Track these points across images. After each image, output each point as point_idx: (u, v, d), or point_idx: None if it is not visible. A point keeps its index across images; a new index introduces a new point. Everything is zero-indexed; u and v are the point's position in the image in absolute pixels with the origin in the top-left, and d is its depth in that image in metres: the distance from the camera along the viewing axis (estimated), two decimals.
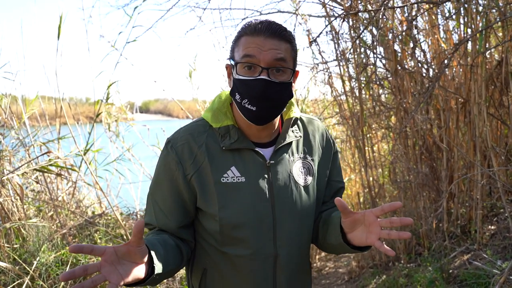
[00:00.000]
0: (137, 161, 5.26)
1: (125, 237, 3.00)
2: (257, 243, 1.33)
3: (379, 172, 4.55)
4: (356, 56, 3.83)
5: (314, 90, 10.17)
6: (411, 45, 3.70)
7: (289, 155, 1.39)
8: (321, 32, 3.19)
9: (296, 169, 1.39)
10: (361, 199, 4.66)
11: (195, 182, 1.31)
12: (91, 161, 3.76)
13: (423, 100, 3.42)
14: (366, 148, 4.05)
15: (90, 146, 3.27)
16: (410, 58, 3.86)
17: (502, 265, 3.00)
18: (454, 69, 3.87)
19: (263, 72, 1.22)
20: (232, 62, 1.28)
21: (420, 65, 3.77)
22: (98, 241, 2.92)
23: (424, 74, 3.78)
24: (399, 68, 3.69)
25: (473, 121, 3.62)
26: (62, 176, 3.47)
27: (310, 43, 3.89)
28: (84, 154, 3.21)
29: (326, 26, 3.45)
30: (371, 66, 4.08)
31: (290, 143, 1.40)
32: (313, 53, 4.08)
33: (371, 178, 4.09)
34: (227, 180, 1.31)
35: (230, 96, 1.34)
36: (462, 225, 3.89)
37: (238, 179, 1.31)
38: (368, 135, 4.14)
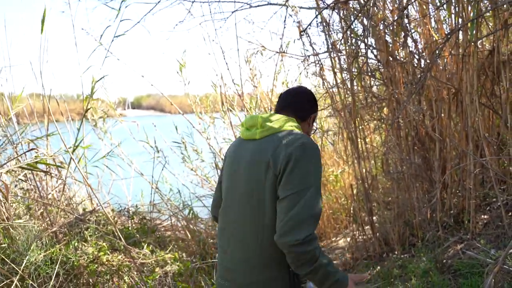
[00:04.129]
0: (127, 158, 5.20)
1: (116, 234, 2.97)
2: None
3: (372, 163, 4.54)
4: (347, 48, 3.80)
5: (306, 82, 10.13)
6: (403, 35, 3.67)
7: None
8: (310, 23, 3.16)
9: None
10: (355, 191, 4.65)
11: None
12: (81, 157, 3.70)
13: (415, 90, 3.40)
14: (359, 139, 4.03)
15: (79, 143, 3.21)
16: (401, 48, 3.84)
17: (495, 254, 3.00)
18: (446, 59, 3.86)
19: None
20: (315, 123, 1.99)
21: (411, 55, 3.74)
22: (89, 238, 2.89)
23: (415, 65, 3.75)
24: (391, 59, 3.67)
25: (465, 111, 3.60)
26: (51, 174, 3.41)
27: (301, 34, 3.85)
28: (73, 151, 3.16)
29: (316, 16, 3.41)
30: (363, 58, 4.06)
31: None
32: (303, 44, 4.04)
33: (364, 170, 4.07)
34: None
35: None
36: (455, 215, 3.89)
37: None
38: (360, 127, 4.12)
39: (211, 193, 5.70)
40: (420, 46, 3.95)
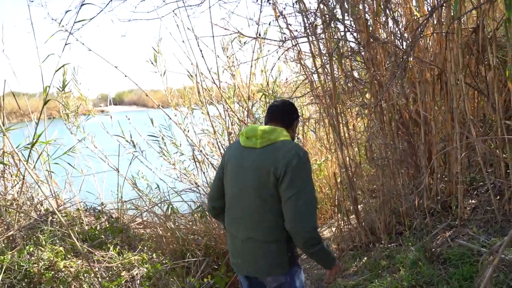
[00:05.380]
0: (100, 153, 4.96)
1: (80, 236, 2.74)
2: None
3: (355, 151, 4.37)
4: (325, 30, 3.60)
5: (285, 69, 9.91)
6: (383, 14, 3.50)
7: None
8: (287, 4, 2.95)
9: None
10: (339, 180, 4.48)
11: None
12: (41, 153, 3.45)
13: (398, 71, 3.24)
14: (341, 126, 3.85)
15: (37, 138, 2.96)
16: (382, 29, 3.66)
17: (488, 241, 2.87)
18: (428, 39, 3.70)
19: None
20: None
21: (393, 36, 3.58)
22: (43, 242, 2.65)
23: (397, 45, 3.58)
24: (372, 40, 3.49)
25: (450, 92, 3.46)
26: (9, 172, 3.16)
27: (277, 16, 3.65)
28: (32, 146, 2.91)
29: None
30: (342, 41, 3.88)
31: None
32: (280, 28, 3.82)
33: (347, 158, 3.89)
34: None
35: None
36: (443, 201, 3.76)
37: None
38: (342, 113, 3.94)
39: (190, 187, 5.49)
40: (401, 26, 3.78)
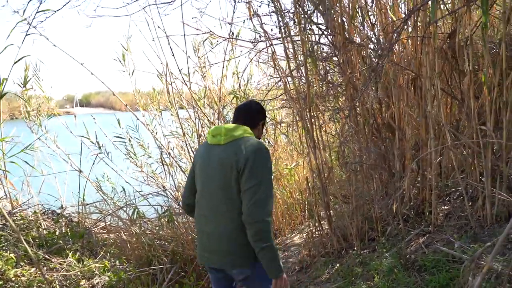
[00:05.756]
0: (63, 153, 4.72)
1: (34, 241, 2.52)
2: None
3: (327, 155, 4.30)
4: (301, 32, 3.51)
5: (257, 72, 9.81)
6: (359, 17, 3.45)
7: None
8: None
9: None
10: (310, 184, 4.39)
11: None
12: None
13: (374, 75, 3.18)
14: (314, 129, 3.77)
15: None
16: (357, 33, 3.61)
17: (466, 247, 2.82)
18: (403, 43, 3.67)
19: None
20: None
21: (368, 39, 3.53)
22: None
23: (373, 49, 3.53)
24: (347, 43, 3.43)
25: (424, 97, 3.43)
26: None
27: (251, 15, 3.54)
28: None
29: None
30: (316, 44, 3.81)
31: None
32: (254, 28, 3.70)
33: (320, 162, 3.81)
34: None
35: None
36: (415, 207, 3.73)
37: None
38: (316, 116, 3.86)
39: (157, 190, 5.30)
40: (376, 30, 3.74)
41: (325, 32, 3.85)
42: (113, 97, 5.42)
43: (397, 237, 3.46)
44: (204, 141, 2.49)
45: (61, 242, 2.93)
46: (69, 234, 3.15)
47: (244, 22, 3.57)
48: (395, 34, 2.92)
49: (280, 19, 3.47)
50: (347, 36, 3.42)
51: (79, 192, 4.19)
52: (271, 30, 3.55)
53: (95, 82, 4.84)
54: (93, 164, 4.43)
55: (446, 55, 3.32)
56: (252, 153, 2.14)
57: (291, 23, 3.70)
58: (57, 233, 3.15)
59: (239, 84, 4.97)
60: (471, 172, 3.45)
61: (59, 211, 3.78)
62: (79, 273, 2.62)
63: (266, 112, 2.60)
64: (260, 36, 3.62)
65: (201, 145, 2.48)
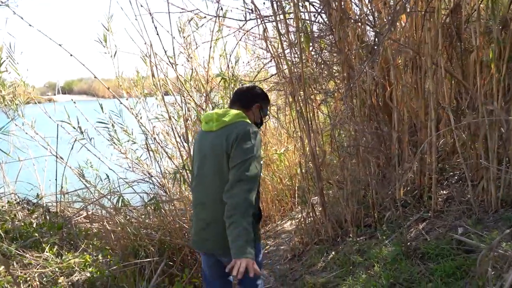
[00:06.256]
0: (42, 139, 4.46)
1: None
2: None
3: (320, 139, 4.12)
4: (294, 3, 3.29)
5: (244, 55, 9.52)
6: None
7: None
8: None
9: None
10: (303, 169, 4.21)
11: None
12: None
13: (374, 53, 3.00)
14: (308, 111, 3.58)
15: None
16: (352, 11, 3.41)
17: (485, 237, 2.68)
18: (401, 20, 3.49)
19: None
20: (265, 111, 2.57)
21: (366, 15, 3.33)
22: None
23: (371, 24, 3.34)
24: (344, 17, 3.23)
25: (424, 76, 3.27)
26: None
27: None
28: None
29: None
30: (312, 22, 3.60)
31: None
32: (244, 3, 3.45)
33: (314, 145, 3.63)
34: None
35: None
36: (412, 192, 3.58)
37: None
38: (309, 98, 3.66)
39: (143, 177, 5.08)
40: (374, 6, 3.55)
41: (319, 9, 3.65)
42: (96, 84, 5.18)
43: (395, 223, 3.32)
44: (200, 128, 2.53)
45: (36, 235, 2.69)
46: (47, 225, 2.91)
47: None
48: (398, 7, 2.73)
49: None
50: (344, 12, 3.22)
51: (56, 180, 3.94)
52: (263, 3, 3.32)
53: (78, 69, 4.61)
54: (71, 149, 4.17)
55: (448, 31, 3.14)
56: (239, 135, 2.16)
57: None
58: (34, 225, 2.90)
59: (227, 65, 4.73)
60: (470, 155, 3.32)
61: (36, 200, 3.53)
62: (57, 269, 2.39)
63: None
64: (250, 12, 3.38)
65: (198, 132, 2.52)
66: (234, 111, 2.34)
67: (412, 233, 3.08)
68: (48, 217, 2.99)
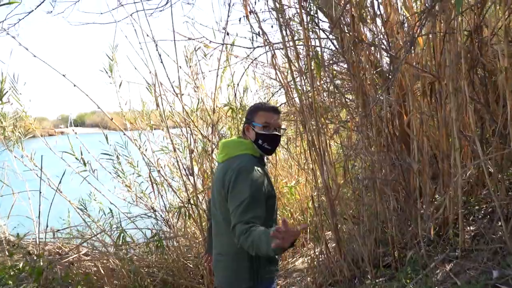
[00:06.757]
0: (41, 172, 4.26)
1: None
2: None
3: (334, 171, 3.86)
4: (304, 27, 3.10)
5: (253, 85, 9.35)
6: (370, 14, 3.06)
7: None
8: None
9: None
10: (315, 203, 3.93)
11: None
12: None
13: (391, 78, 2.78)
14: (321, 142, 3.34)
15: None
16: (368, 31, 3.22)
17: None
18: (418, 43, 3.28)
19: (273, 130, 2.21)
20: (256, 124, 2.21)
21: (379, 38, 3.13)
22: None
23: (387, 48, 3.13)
24: (358, 40, 3.03)
25: (444, 102, 3.03)
26: None
27: (247, 14, 3.15)
28: None
29: None
30: (321, 47, 3.41)
31: None
32: (251, 27, 3.24)
33: (327, 178, 3.37)
34: None
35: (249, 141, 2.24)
36: (435, 229, 3.29)
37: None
38: (322, 127, 3.43)
39: (146, 211, 4.84)
40: (388, 28, 3.35)
41: (330, 36, 3.48)
42: (108, 117, 4.97)
43: (418, 264, 3.01)
44: None
45: (10, 283, 2.40)
46: (29, 270, 2.63)
47: (240, 21, 3.15)
48: (419, 28, 2.52)
49: (280, 16, 3.06)
50: (357, 35, 3.03)
51: (39, 216, 3.70)
52: (271, 26, 3.14)
53: (91, 102, 4.42)
54: (60, 180, 3.95)
55: (469, 54, 2.92)
56: (232, 176, 2.05)
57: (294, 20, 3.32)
58: (14, 269, 2.63)
59: (235, 94, 4.55)
60: (499, 188, 3.04)
61: (34, 236, 3.27)
62: None
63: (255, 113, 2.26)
64: (258, 35, 3.19)
65: None
66: (236, 141, 2.26)
67: (438, 276, 2.77)
68: (29, 260, 2.70)
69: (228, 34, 3.50)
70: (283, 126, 2.36)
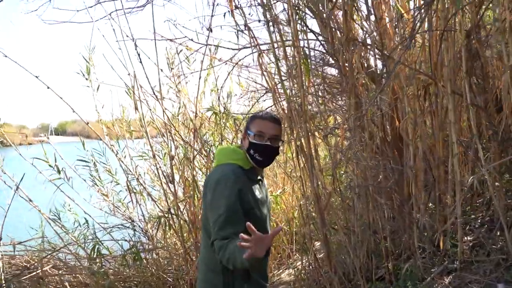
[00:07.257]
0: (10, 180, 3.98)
1: None
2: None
3: (323, 179, 3.65)
4: (293, 19, 2.90)
5: (237, 89, 9.17)
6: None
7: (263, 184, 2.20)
8: None
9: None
10: (303, 213, 3.72)
11: None
12: None
13: (386, 80, 2.60)
14: (311, 148, 3.14)
15: None
16: (360, 29, 3.05)
17: None
18: (414, 43, 3.12)
19: (267, 140, 2.02)
20: (250, 132, 2.05)
21: (375, 36, 2.97)
22: None
23: (380, 48, 2.96)
24: (349, 39, 2.85)
25: (441, 105, 2.88)
26: None
27: (232, 9, 2.95)
28: None
29: None
30: (309, 48, 3.23)
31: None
32: (236, 24, 3.04)
33: (317, 186, 3.16)
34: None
35: (243, 150, 2.09)
36: (431, 239, 3.11)
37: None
38: (311, 132, 3.23)
39: (124, 222, 4.56)
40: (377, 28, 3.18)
41: (319, 37, 3.30)
42: (89, 125, 4.68)
43: (414, 276, 2.82)
44: None
45: None
46: None
47: (224, 16, 2.95)
48: (419, 22, 2.35)
49: (266, 13, 2.86)
50: (349, 33, 2.85)
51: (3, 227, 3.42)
52: (258, 21, 2.93)
53: (71, 111, 4.13)
54: (20, 180, 3.69)
55: (468, 53, 2.77)
56: (211, 187, 1.95)
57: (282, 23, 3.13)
58: None
59: (218, 98, 4.32)
60: (500, 195, 2.88)
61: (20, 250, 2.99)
62: None
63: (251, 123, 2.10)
64: (242, 32, 2.97)
65: None
66: (231, 149, 2.13)
67: None
68: None
69: (211, 31, 3.25)
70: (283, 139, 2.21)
